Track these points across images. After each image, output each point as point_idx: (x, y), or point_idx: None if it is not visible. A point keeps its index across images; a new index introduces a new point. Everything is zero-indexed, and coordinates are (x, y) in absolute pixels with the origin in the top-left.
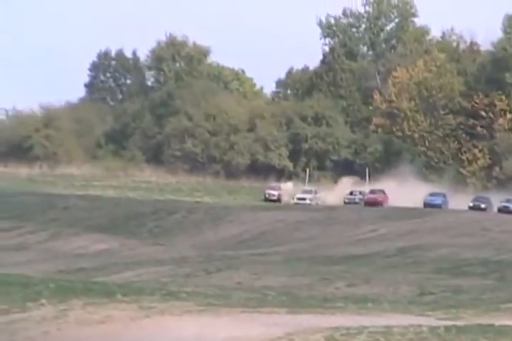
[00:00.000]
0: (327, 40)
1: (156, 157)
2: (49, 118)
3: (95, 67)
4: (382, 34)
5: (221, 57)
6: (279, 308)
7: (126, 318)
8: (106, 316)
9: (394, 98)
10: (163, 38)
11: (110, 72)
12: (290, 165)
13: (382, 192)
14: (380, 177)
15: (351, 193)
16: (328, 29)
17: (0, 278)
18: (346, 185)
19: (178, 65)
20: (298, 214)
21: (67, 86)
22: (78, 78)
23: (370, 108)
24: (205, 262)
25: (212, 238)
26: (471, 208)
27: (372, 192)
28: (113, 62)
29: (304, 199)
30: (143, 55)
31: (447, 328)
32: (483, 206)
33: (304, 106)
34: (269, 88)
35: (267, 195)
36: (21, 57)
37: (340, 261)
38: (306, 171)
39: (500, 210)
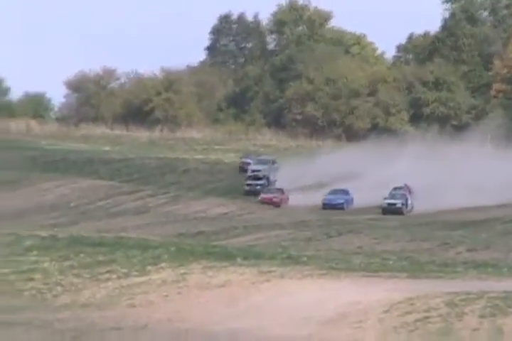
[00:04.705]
0: (448, 5)
1: (276, 121)
2: (170, 82)
3: (216, 31)
4: None
5: (342, 22)
6: (399, 273)
7: (246, 282)
8: (226, 280)
9: None
10: (284, 2)
11: (232, 36)
12: (411, 129)
13: (281, 191)
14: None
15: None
16: None
17: (120, 242)
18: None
19: (299, 28)
20: None
21: (188, 50)
22: (199, 42)
23: (490, 73)
24: (325, 226)
25: None
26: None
27: (268, 191)
28: (234, 26)
29: (258, 170)
30: (264, 18)
31: None
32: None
33: (424, 71)
34: (389, 53)
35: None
36: (143, 22)
37: (459, 226)
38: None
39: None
